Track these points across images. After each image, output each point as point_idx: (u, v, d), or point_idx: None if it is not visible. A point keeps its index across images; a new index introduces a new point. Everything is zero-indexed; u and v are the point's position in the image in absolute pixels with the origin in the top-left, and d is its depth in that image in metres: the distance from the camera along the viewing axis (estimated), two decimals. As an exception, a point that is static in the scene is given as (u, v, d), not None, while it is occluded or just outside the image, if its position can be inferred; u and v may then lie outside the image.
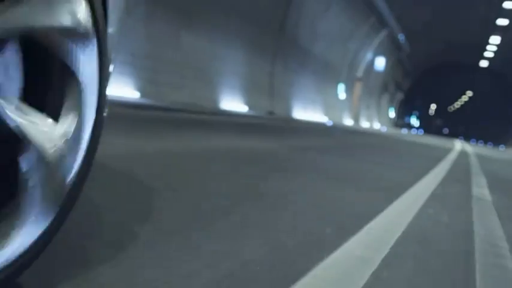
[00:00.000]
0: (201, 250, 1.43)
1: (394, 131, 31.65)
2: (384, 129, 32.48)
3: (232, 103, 12.89)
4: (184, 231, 1.59)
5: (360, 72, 27.76)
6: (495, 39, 34.14)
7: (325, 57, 21.59)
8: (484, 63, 46.20)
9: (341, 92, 24.84)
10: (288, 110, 17.34)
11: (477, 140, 49.27)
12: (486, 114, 57.49)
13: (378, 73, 31.43)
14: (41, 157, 0.89)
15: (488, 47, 37.84)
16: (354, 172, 4.45)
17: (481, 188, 4.62)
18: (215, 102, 12.00)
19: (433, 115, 68.99)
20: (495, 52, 38.52)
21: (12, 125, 0.85)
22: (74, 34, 0.92)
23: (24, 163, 0.88)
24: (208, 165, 3.36)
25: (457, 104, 69.95)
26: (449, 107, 69.68)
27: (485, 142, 48.15)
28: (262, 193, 2.61)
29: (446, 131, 66.13)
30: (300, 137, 9.27)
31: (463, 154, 12.04)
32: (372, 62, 29.17)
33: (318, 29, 18.85)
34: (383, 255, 1.64)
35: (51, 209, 0.96)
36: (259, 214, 2.07)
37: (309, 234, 1.85)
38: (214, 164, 3.48)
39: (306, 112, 19.17)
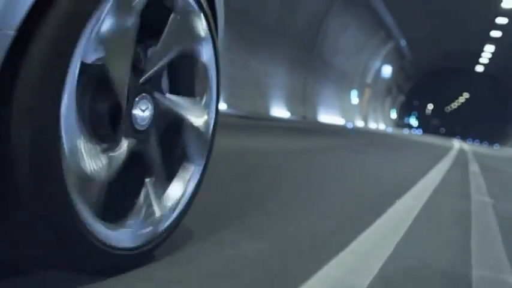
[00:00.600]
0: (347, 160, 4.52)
1: (398, 131, 34.70)
2: (390, 130, 35.48)
3: (279, 110, 16.04)
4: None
5: (369, 79, 30.92)
6: (490, 48, 36.90)
7: (342, 68, 24.82)
8: (479, 68, 48.41)
9: (354, 97, 28.02)
10: (315, 114, 20.52)
11: (473, 139, 51.06)
12: (482, 115, 59.51)
13: (384, 79, 34.56)
14: (195, 129, 1.39)
15: (483, 54, 40.35)
16: (400, 157, 7.51)
17: (474, 168, 7.68)
18: (267, 109, 15.17)
19: (431, 115, 70.88)
20: (490, 59, 41.00)
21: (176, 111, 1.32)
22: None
23: (185, 134, 1.37)
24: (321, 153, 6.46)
25: (454, 105, 71.60)
26: (446, 107, 71.29)
27: (481, 141, 50.05)
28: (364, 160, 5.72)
29: (442, 130, 67.17)
30: (340, 136, 12.26)
31: (461, 151, 14.98)
32: (379, 70, 32.31)
33: (338, 45, 22.07)
34: (441, 175, 4.72)
35: (202, 157, 1.42)
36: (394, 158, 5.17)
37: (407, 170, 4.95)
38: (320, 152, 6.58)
39: (328, 115, 22.34)
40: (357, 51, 25.80)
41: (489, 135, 53.80)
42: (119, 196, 1.23)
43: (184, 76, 1.42)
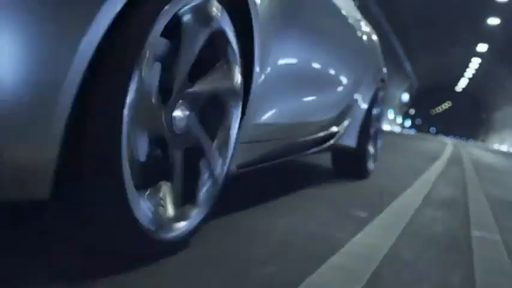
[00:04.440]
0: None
1: (405, 131, 54.16)
2: (406, 131, 55.34)
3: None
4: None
5: (396, 102, 50.82)
6: (464, 80, 55.88)
7: (387, 99, 44.71)
8: (459, 88, 65.89)
9: (390, 114, 47.72)
10: (380, 126, 40.35)
11: (454, 136, 62.89)
12: (461, 118, 72.87)
13: (403, 102, 54.59)
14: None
15: (462, 80, 58.71)
16: (431, 144, 26.89)
17: (461, 148, 27.07)
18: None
19: (423, 117, 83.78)
20: (467, 84, 58.97)
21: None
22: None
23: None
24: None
25: (438, 110, 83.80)
26: (431, 111, 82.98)
27: (460, 138, 61.60)
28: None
29: (425, 127, 79.22)
30: (398, 135, 31.34)
31: (450, 143, 34.18)
32: (400, 96, 52.23)
33: (387, 89, 41.96)
34: (450, 150, 24.34)
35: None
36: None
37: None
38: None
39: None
40: (395, 90, 45.54)
41: (466, 134, 67.67)
42: None
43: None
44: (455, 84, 61.13)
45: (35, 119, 0.91)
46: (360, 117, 3.54)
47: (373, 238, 2.00)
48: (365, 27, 3.60)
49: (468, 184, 5.05)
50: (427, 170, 5.82)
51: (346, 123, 3.27)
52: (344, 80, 3.02)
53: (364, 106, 3.60)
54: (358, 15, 3.47)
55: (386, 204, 2.84)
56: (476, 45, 33.93)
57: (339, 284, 1.42)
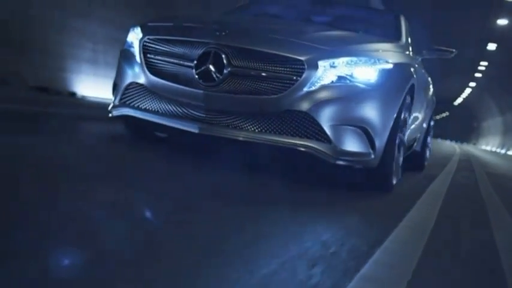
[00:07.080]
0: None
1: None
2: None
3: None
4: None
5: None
6: (464, 94, 69.81)
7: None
8: (456, 103, 75.96)
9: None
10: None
11: (450, 140, 70.10)
12: (457, 125, 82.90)
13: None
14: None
15: (458, 99, 69.49)
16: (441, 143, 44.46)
17: (457, 144, 44.42)
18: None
19: None
20: (462, 100, 68.56)
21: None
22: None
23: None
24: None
25: (438, 117, 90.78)
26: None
27: (456, 141, 70.10)
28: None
29: None
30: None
31: (451, 144, 50.67)
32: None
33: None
34: (458, 147, 42.11)
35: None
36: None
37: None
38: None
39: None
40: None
41: (460, 137, 76.84)
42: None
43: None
44: (454, 100, 73.79)
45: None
46: (423, 132, 5.23)
47: (451, 164, 9.81)
48: (428, 78, 5.21)
49: (471, 159, 22.18)
50: (453, 156, 14.42)
51: (418, 137, 4.94)
52: (424, 115, 4.92)
53: (426, 126, 5.35)
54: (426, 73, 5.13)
55: (443, 169, 7.31)
56: (469, 82, 47.33)
57: (452, 161, 11.02)
